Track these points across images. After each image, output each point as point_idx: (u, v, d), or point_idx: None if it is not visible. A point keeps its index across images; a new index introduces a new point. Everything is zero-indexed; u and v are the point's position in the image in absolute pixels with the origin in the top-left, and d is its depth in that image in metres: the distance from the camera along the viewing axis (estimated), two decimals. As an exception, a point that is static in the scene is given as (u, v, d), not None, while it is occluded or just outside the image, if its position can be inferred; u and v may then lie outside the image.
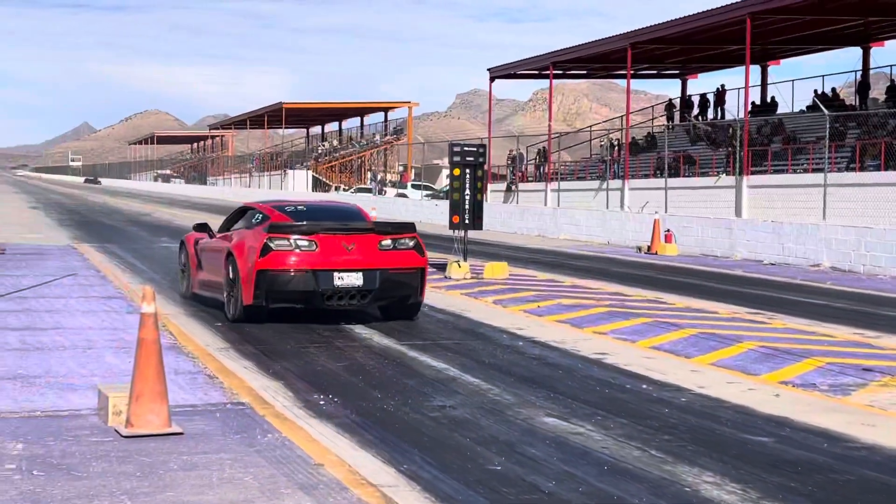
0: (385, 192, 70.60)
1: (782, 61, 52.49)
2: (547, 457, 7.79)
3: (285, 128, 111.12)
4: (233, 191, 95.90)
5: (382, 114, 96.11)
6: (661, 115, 57.20)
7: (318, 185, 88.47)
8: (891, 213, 29.05)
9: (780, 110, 47.20)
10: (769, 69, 51.62)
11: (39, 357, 11.11)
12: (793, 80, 47.91)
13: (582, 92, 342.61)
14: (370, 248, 13.95)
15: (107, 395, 8.32)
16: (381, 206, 52.28)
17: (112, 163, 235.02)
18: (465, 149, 21.42)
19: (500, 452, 7.88)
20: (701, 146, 45.80)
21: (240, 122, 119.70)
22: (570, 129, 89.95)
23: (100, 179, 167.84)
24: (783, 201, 34.78)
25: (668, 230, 31.16)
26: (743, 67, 40.21)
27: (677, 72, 56.91)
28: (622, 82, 57.61)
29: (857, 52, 45.95)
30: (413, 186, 69.60)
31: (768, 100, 49.65)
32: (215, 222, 16.83)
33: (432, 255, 17.72)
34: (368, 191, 71.84)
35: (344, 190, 78.41)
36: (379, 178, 79.80)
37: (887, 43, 46.60)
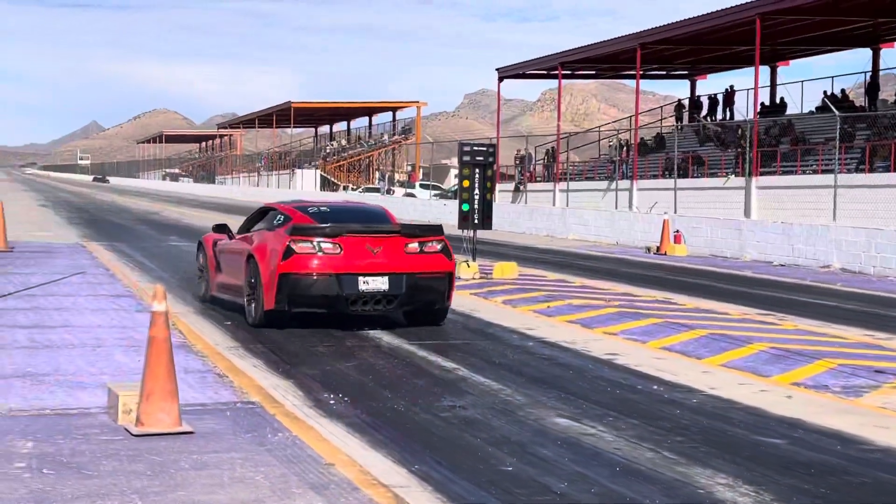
0: (393, 191, 70.57)
1: (791, 62, 52.43)
2: (559, 457, 7.75)
3: (294, 127, 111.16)
4: (241, 190, 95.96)
5: (391, 113, 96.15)
6: (671, 116, 57.13)
7: (326, 184, 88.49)
8: (901, 215, 28.97)
9: (789, 111, 47.11)
10: (778, 70, 51.54)
11: (48, 355, 11.09)
12: (802, 81, 47.94)
13: (590, 92, 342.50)
14: (396, 251, 13.46)
15: (117, 394, 8.29)
16: (389, 206, 52.14)
17: (120, 161, 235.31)
18: (475, 148, 21.37)
19: (512, 453, 7.84)
20: (710, 147, 45.73)
21: (248, 122, 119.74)
22: (578, 129, 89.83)
23: (108, 178, 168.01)
24: (792, 202, 34.69)
25: (678, 231, 31.09)
26: (752, 68, 40.18)
27: (686, 72, 56.82)
28: (631, 83, 57.57)
29: (866, 53, 45.85)
30: (421, 186, 69.57)
31: (777, 101, 49.58)
32: (225, 221, 16.74)
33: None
34: (377, 190, 71.83)
35: (352, 189, 78.38)
36: (387, 177, 79.81)
37: (897, 44, 46.51)
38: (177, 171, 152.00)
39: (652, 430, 8.65)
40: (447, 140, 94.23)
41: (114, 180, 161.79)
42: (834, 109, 33.80)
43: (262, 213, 15.33)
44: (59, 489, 6.54)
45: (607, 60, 52.56)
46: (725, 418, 9.19)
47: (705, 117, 51.95)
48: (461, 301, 17.28)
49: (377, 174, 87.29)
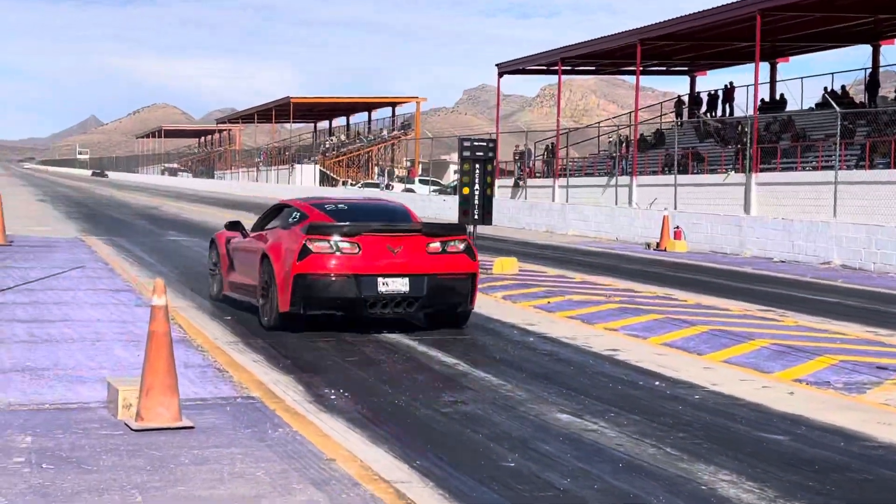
0: (392, 186, 70.54)
1: (791, 59, 52.35)
2: (561, 453, 7.71)
3: (293, 122, 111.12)
4: (240, 185, 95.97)
5: (390, 109, 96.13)
6: (670, 112, 57.07)
7: (325, 179, 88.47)
8: (901, 212, 28.93)
9: (789, 108, 47.08)
10: (778, 66, 51.47)
11: (48, 349, 11.05)
12: (802, 78, 47.86)
13: (589, 88, 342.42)
14: (417, 251, 12.84)
15: (116, 388, 8.25)
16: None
17: (119, 156, 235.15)
18: (475, 144, 21.33)
19: (514, 449, 7.80)
20: (710, 143, 45.69)
21: (247, 117, 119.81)
22: (577, 125, 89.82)
23: (107, 173, 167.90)
24: (792, 199, 34.65)
25: (678, 227, 31.07)
26: (752, 64, 40.13)
27: (686, 68, 56.75)
28: (630, 79, 57.51)
29: (866, 49, 45.84)
30: (420, 181, 69.54)
31: (777, 97, 49.52)
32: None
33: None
34: (376, 186, 71.78)
35: (351, 184, 78.37)
36: (387, 171, 79.80)
37: (897, 41, 46.45)
38: (176, 166, 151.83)
39: (654, 427, 8.61)
40: (446, 135, 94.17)
41: (113, 175, 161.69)
42: (835, 105, 33.76)
43: (277, 210, 14.77)
44: (59, 484, 6.50)
45: (607, 56, 52.48)
46: (728, 414, 9.16)
47: (705, 113, 51.90)
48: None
49: (376, 169, 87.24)
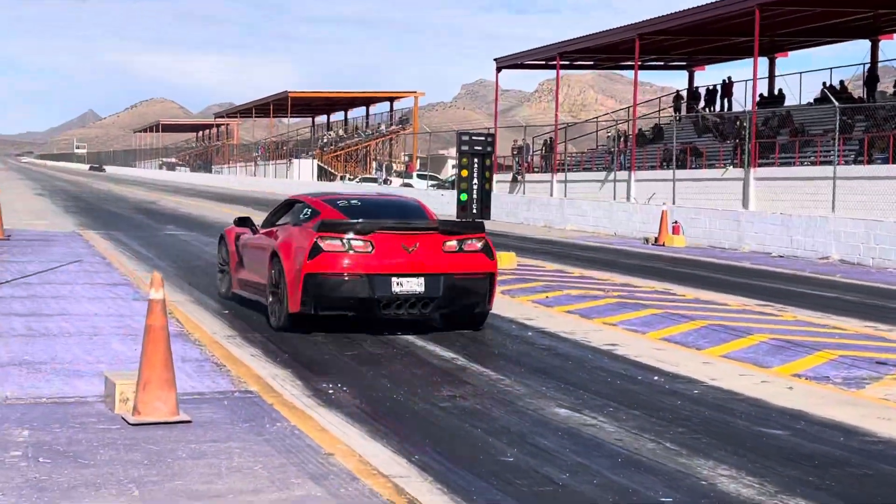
0: (390, 181, 70.49)
1: (790, 54, 52.28)
2: (560, 448, 7.68)
3: (291, 117, 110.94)
4: (238, 179, 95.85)
5: (388, 103, 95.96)
6: (669, 107, 57.02)
7: (323, 174, 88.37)
8: (900, 207, 28.92)
9: (787, 103, 47.01)
10: (777, 61, 51.43)
11: (45, 343, 11.02)
12: (800, 73, 47.80)
13: (587, 83, 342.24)
14: (433, 250, 12.37)
15: (114, 382, 8.22)
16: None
17: (117, 150, 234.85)
18: (474, 138, 21.28)
19: (512, 443, 7.77)
20: (708, 138, 45.65)
21: (245, 111, 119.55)
22: (576, 120, 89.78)
23: (104, 167, 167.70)
24: (790, 194, 34.62)
25: (676, 222, 31.04)
26: (751, 59, 40.06)
27: (684, 63, 56.68)
28: (628, 74, 57.49)
29: (865, 44, 45.75)
30: (418, 176, 69.51)
31: (776, 92, 49.47)
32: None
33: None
34: (374, 180, 71.72)
35: (349, 179, 78.30)
36: (385, 166, 79.73)
37: (896, 36, 46.40)
38: (173, 160, 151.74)
39: (653, 421, 8.59)
40: (444, 130, 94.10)
41: (110, 169, 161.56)
42: (834, 100, 33.73)
43: (287, 206, 14.33)
44: (56, 478, 6.47)
45: (606, 51, 52.41)
46: (727, 409, 9.13)
47: (703, 108, 51.85)
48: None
49: (374, 164, 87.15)
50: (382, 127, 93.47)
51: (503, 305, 15.62)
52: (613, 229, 35.84)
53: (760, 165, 37.30)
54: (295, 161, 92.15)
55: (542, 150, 56.39)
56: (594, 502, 6.48)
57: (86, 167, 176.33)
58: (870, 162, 33.66)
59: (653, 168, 45.56)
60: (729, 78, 50.88)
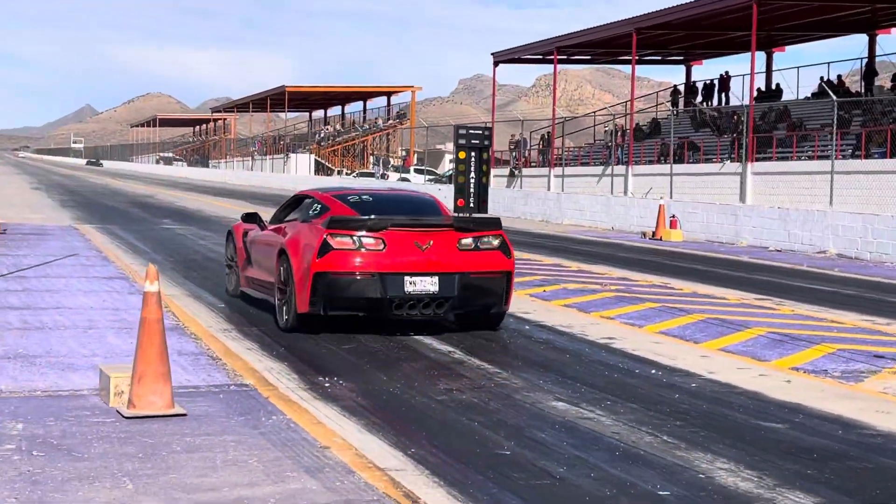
0: (388, 176, 70.45)
1: (787, 48, 52.26)
2: (557, 441, 7.64)
3: (288, 111, 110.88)
4: (235, 174, 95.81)
5: (385, 98, 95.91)
6: (666, 102, 56.99)
7: (320, 168, 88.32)
8: (897, 201, 28.90)
9: (784, 97, 47.00)
10: (774, 56, 51.38)
11: (40, 336, 10.97)
12: (798, 67, 47.83)
13: (585, 78, 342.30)
14: (448, 247, 11.88)
15: (108, 376, 8.18)
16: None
17: (114, 145, 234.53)
18: (471, 131, 21.27)
19: (509, 437, 7.73)
20: (705, 132, 45.63)
21: (242, 106, 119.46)
22: (573, 114, 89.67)
23: (101, 161, 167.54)
24: (787, 188, 34.62)
25: (673, 216, 31.01)
26: (748, 54, 40.02)
27: (682, 58, 56.67)
28: (625, 68, 57.42)
29: (862, 39, 45.72)
30: (416, 171, 69.50)
31: (773, 86, 49.45)
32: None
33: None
34: (371, 175, 71.69)
35: (347, 174, 78.24)
36: (382, 161, 79.68)
37: (894, 30, 46.33)
38: (170, 154, 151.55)
39: (651, 415, 8.55)
40: (442, 125, 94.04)
41: (107, 164, 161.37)
42: (831, 95, 33.69)
43: (296, 202, 13.89)
44: (50, 471, 6.43)
45: (603, 45, 52.38)
46: (725, 403, 9.09)
47: (701, 103, 51.82)
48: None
49: (371, 159, 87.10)
50: (379, 121, 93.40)
51: (500, 299, 15.57)
52: (611, 223, 35.80)
53: (758, 160, 37.28)
54: (292, 156, 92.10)
55: (539, 144, 56.35)
56: (592, 495, 6.44)
57: (83, 162, 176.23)
58: (867, 156, 33.64)
59: (650, 162, 45.53)
60: (726, 72, 50.89)
